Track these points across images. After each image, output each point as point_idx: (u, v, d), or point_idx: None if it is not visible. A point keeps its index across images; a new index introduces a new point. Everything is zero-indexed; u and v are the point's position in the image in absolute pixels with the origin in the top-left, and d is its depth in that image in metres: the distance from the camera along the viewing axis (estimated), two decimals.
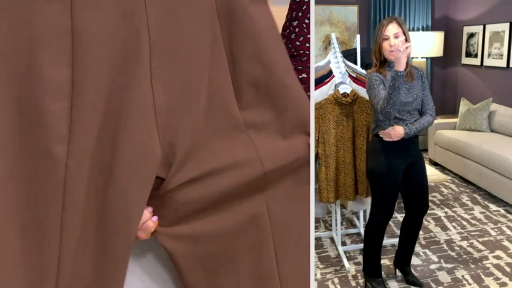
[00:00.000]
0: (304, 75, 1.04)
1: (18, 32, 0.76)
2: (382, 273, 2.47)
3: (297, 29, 1.04)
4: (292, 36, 1.04)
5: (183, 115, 0.84)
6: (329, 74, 2.61)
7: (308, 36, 1.04)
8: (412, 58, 5.24)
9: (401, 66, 1.99)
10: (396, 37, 2.12)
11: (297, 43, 1.04)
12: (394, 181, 2.21)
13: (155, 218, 0.88)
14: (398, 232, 2.88)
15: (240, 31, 0.88)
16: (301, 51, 1.04)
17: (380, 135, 2.18)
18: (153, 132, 0.82)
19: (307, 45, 1.04)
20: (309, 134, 0.95)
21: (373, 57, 2.23)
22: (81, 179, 0.80)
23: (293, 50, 1.04)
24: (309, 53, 1.03)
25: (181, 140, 0.84)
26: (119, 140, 0.81)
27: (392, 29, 2.13)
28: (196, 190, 0.87)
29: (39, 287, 0.81)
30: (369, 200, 2.70)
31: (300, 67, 1.05)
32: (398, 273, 2.54)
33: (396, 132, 2.14)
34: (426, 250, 2.84)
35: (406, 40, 2.15)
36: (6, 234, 0.78)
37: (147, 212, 0.86)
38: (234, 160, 0.88)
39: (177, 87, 0.83)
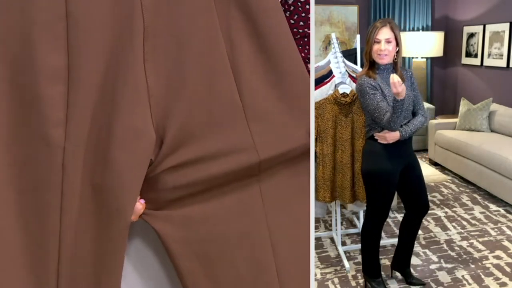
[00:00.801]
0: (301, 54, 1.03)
1: (15, 19, 0.77)
2: (382, 273, 2.47)
3: (292, 7, 1.03)
4: (287, 14, 1.03)
5: (175, 99, 0.84)
6: (329, 74, 2.61)
7: (303, 14, 1.03)
8: (412, 58, 5.25)
9: (401, 97, 1.99)
10: (388, 42, 2.12)
11: (292, 21, 1.03)
12: (388, 183, 2.20)
13: (142, 200, 0.89)
14: (397, 232, 2.88)
15: (239, 14, 0.87)
16: (295, 30, 1.03)
17: (375, 137, 2.18)
18: (146, 116, 0.83)
19: (301, 23, 1.03)
20: (309, 123, 0.94)
21: (364, 58, 2.23)
22: (78, 163, 0.82)
23: None
24: (302, 32, 1.03)
25: (172, 123, 0.84)
26: (114, 124, 0.82)
27: (384, 33, 2.12)
28: (186, 174, 0.87)
29: (41, 270, 0.82)
30: None
31: None
32: (398, 273, 2.54)
33: (391, 135, 2.14)
34: (426, 250, 2.84)
35: (397, 44, 2.15)
36: (7, 219, 0.79)
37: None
38: (227, 146, 0.88)
39: (170, 70, 0.83)
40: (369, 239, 2.32)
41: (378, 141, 2.18)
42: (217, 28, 0.86)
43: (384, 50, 2.11)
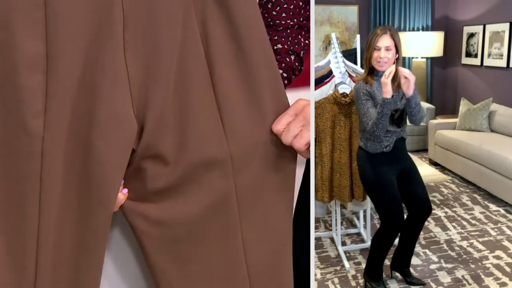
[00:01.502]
0: (279, 45, 1.02)
1: None
2: (382, 273, 2.48)
3: None
4: (269, 6, 1.02)
5: (153, 87, 0.84)
6: (329, 74, 2.61)
7: (285, 6, 1.02)
8: (412, 58, 5.25)
9: (387, 94, 2.00)
10: (388, 49, 2.13)
11: (274, 13, 1.02)
12: (389, 188, 2.20)
13: (125, 190, 0.89)
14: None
15: (215, 3, 0.86)
16: (277, 21, 1.02)
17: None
18: (128, 105, 0.83)
19: (284, 15, 1.01)
20: (285, 116, 0.92)
21: (364, 65, 2.24)
22: (58, 152, 0.81)
23: (269, 20, 1.01)
24: (285, 23, 1.02)
25: (151, 112, 0.84)
26: (95, 113, 0.81)
27: (384, 41, 2.13)
28: (164, 164, 0.87)
29: (19, 262, 0.82)
30: (368, 201, 2.70)
31: (276, 37, 1.02)
32: (398, 273, 2.54)
33: (408, 74, 2.05)
34: (426, 250, 2.84)
35: (397, 52, 2.16)
36: None
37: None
38: (200, 137, 0.87)
39: (149, 59, 0.83)
40: (378, 245, 2.31)
41: (366, 150, 2.21)
42: (192, 17, 0.86)
43: (383, 58, 2.12)
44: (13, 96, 0.79)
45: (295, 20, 1.02)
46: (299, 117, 0.90)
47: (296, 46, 1.04)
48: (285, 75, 1.03)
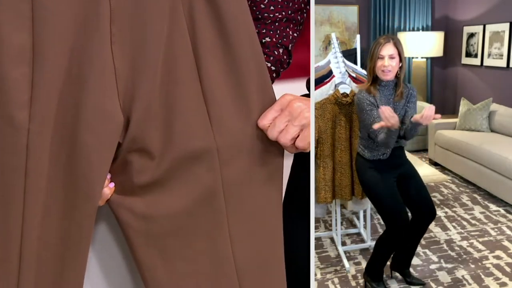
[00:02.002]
0: (267, 38, 1.02)
1: None
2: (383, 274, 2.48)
3: None
4: None
5: (140, 80, 0.84)
6: (329, 74, 2.61)
7: None
8: (412, 58, 5.25)
9: (394, 127, 2.00)
10: (391, 58, 2.14)
11: (262, 6, 1.01)
12: (389, 192, 2.20)
13: (112, 185, 0.89)
14: None
15: None
16: (266, 14, 1.01)
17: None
18: (114, 98, 0.83)
19: (272, 8, 1.01)
20: (272, 111, 0.92)
21: (367, 74, 2.25)
22: (43, 144, 0.81)
23: (257, 12, 1.01)
24: (273, 17, 1.01)
25: (138, 105, 0.84)
26: (81, 106, 0.81)
27: (388, 49, 2.14)
28: (150, 158, 0.87)
29: (3, 254, 0.82)
30: (367, 200, 2.70)
31: (264, 30, 1.02)
32: (398, 273, 2.54)
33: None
34: (426, 250, 2.84)
35: (401, 60, 2.17)
36: None
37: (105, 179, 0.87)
38: (186, 131, 0.87)
39: (135, 52, 0.83)
40: (382, 247, 2.30)
41: (363, 155, 2.23)
42: (179, 10, 0.85)
43: (387, 66, 2.13)
44: None
45: (284, 13, 1.01)
46: (285, 112, 0.90)
47: (285, 39, 1.03)
48: (273, 68, 1.03)
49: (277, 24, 1.02)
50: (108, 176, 0.88)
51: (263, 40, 1.01)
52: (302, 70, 1.19)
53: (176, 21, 0.85)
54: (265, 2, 1.00)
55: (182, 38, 0.86)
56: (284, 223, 1.04)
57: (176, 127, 0.87)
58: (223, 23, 0.87)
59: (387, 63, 2.13)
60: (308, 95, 1.16)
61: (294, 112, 0.90)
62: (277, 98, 0.94)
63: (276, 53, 1.03)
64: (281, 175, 0.98)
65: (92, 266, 0.98)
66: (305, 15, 1.06)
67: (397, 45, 2.17)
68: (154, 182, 0.88)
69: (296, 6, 1.03)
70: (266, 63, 0.99)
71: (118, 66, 0.83)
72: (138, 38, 0.83)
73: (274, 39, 1.02)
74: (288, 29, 1.03)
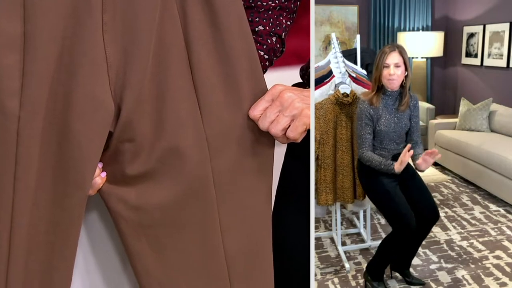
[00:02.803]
0: (260, 27, 1.02)
1: None
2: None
3: None
4: None
5: (131, 69, 0.84)
6: (329, 74, 2.61)
7: None
8: (412, 58, 5.25)
9: (399, 169, 2.10)
10: (397, 66, 2.15)
11: None
12: (393, 194, 2.20)
13: (103, 174, 0.89)
14: None
15: None
16: (259, 3, 1.00)
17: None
18: (105, 86, 0.83)
19: None
20: (264, 102, 0.93)
21: (372, 83, 2.26)
22: (34, 132, 0.81)
23: (250, 1, 1.00)
24: (266, 5, 1.01)
25: (128, 94, 0.84)
26: (72, 94, 0.82)
27: (393, 58, 2.16)
28: (141, 147, 0.88)
29: None
30: (368, 201, 2.69)
31: (257, 19, 1.02)
32: (398, 273, 2.54)
33: (400, 167, 2.14)
34: (426, 250, 2.84)
35: (406, 69, 2.18)
36: None
37: (97, 168, 0.88)
38: (176, 121, 0.88)
39: (127, 41, 0.84)
40: (386, 249, 2.30)
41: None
42: (172, 1, 0.86)
43: (393, 75, 2.14)
44: None
45: (277, 1, 1.01)
46: (276, 103, 0.90)
47: (278, 28, 1.03)
48: (266, 57, 1.03)
49: (270, 12, 1.01)
50: (100, 165, 0.88)
51: (256, 29, 1.01)
52: (295, 58, 1.20)
53: (167, 10, 0.86)
54: None
55: (173, 27, 0.87)
56: (277, 213, 1.04)
57: (167, 117, 0.87)
58: (214, 13, 0.87)
59: (393, 72, 2.14)
60: (301, 84, 1.16)
61: (285, 102, 0.90)
62: (270, 86, 0.94)
63: (269, 41, 1.03)
64: (271, 165, 0.98)
65: (82, 255, 0.98)
66: (298, 3, 1.05)
67: (403, 54, 2.19)
68: (145, 172, 0.88)
69: None
70: (259, 51, 0.99)
71: (109, 55, 0.83)
72: (129, 27, 0.83)
73: (267, 28, 1.02)
74: (281, 18, 1.03)
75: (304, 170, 1.03)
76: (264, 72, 1.01)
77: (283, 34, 1.05)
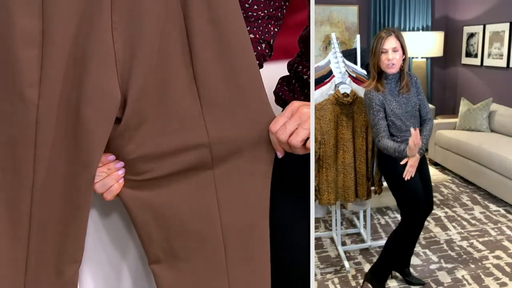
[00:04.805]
0: (251, 35, 1.09)
1: None
2: None
3: None
4: None
5: (136, 62, 0.94)
6: (329, 74, 2.61)
7: None
8: (412, 58, 5.25)
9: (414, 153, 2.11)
10: (395, 51, 2.14)
11: (246, 5, 1.09)
12: (411, 188, 2.20)
13: (121, 180, 0.99)
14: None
15: None
16: (250, 13, 1.09)
17: (404, 177, 2.17)
18: (113, 78, 0.93)
19: (255, 7, 1.10)
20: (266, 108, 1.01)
21: (371, 69, 2.24)
22: (50, 119, 0.93)
23: (242, 12, 1.07)
24: (256, 15, 1.10)
25: (134, 85, 0.94)
26: (83, 85, 0.92)
27: (390, 42, 2.14)
28: (147, 137, 0.97)
29: (15, 211, 0.95)
30: (369, 200, 2.70)
31: (248, 28, 1.09)
32: (398, 273, 2.54)
33: (414, 161, 2.15)
34: (426, 250, 2.85)
35: (404, 53, 2.17)
36: None
37: (116, 174, 0.98)
38: (176, 108, 0.97)
39: (133, 38, 0.94)
40: (394, 247, 2.29)
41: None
42: (176, 2, 0.96)
43: (392, 59, 2.13)
44: (11, 68, 0.90)
45: (266, 11, 1.10)
46: (295, 117, 0.99)
47: (267, 35, 1.12)
48: (257, 62, 1.10)
49: (259, 21, 1.11)
50: (120, 172, 0.99)
51: None
52: (283, 53, 1.32)
53: (171, 6, 0.95)
54: (249, 2, 1.09)
55: (176, 23, 0.96)
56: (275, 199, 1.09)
57: (168, 104, 0.97)
58: (213, 9, 0.96)
59: (391, 57, 2.13)
60: (289, 77, 1.25)
61: (303, 116, 0.99)
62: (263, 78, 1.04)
63: (259, 48, 1.11)
64: (272, 150, 1.04)
65: (94, 226, 1.07)
66: (284, 11, 1.15)
67: (399, 38, 2.17)
68: (148, 152, 0.97)
69: (277, 4, 1.12)
70: None
71: (118, 50, 0.93)
72: (136, 24, 0.93)
73: (257, 36, 1.11)
74: (269, 25, 1.12)
75: (299, 158, 1.06)
76: None
77: (272, 40, 1.14)
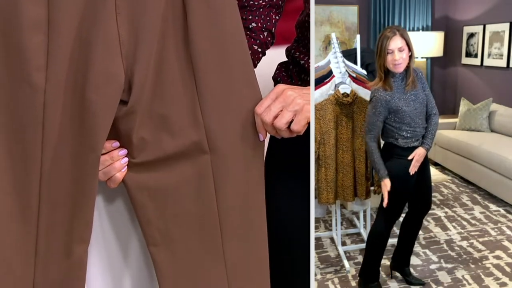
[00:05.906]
0: (253, 24, 1.13)
1: None
2: (382, 273, 2.48)
3: None
4: None
5: (141, 47, 0.97)
6: (329, 74, 2.61)
7: None
8: None
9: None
10: (401, 50, 2.12)
11: None
12: (409, 182, 2.21)
13: (124, 169, 1.01)
14: (398, 232, 2.88)
15: None
16: (251, 2, 1.12)
17: (410, 171, 2.19)
18: (118, 61, 0.96)
19: None
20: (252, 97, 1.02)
21: (377, 70, 2.22)
22: (57, 102, 0.95)
23: (244, 1, 1.11)
24: (258, 4, 1.13)
25: (138, 69, 0.97)
26: (88, 70, 0.95)
27: (396, 42, 2.12)
28: (150, 122, 1.00)
29: (24, 194, 0.97)
30: (369, 200, 2.70)
31: (250, 17, 1.12)
32: (398, 273, 2.54)
33: (420, 155, 2.18)
34: (426, 250, 2.85)
35: (410, 50, 2.16)
36: None
37: (118, 163, 1.00)
38: (173, 91, 0.99)
39: (137, 22, 0.96)
40: (377, 241, 2.30)
41: (394, 143, 2.22)
42: None
43: (398, 59, 2.11)
44: (19, 54, 0.93)
45: (267, 0, 1.13)
46: (279, 99, 1.01)
47: (268, 24, 1.15)
48: (259, 50, 1.15)
49: (261, 10, 1.13)
50: (123, 161, 1.00)
51: (250, 26, 1.13)
52: (281, 39, 1.34)
53: None
54: None
55: (176, 10, 0.99)
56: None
57: (166, 90, 0.99)
58: (212, 8, 0.99)
59: (398, 57, 2.11)
60: (287, 62, 1.28)
61: (287, 99, 1.00)
62: (263, 64, 1.06)
63: (261, 36, 1.14)
64: (262, 159, 1.08)
65: (97, 211, 1.09)
66: None
67: (404, 36, 2.15)
68: (145, 136, 1.00)
69: None
70: (254, 46, 1.13)
71: (122, 34, 0.96)
72: (139, 8, 0.96)
73: (259, 24, 1.13)
74: (271, 14, 1.15)
75: (292, 140, 1.09)
76: (258, 62, 1.16)
77: (273, 28, 1.17)
